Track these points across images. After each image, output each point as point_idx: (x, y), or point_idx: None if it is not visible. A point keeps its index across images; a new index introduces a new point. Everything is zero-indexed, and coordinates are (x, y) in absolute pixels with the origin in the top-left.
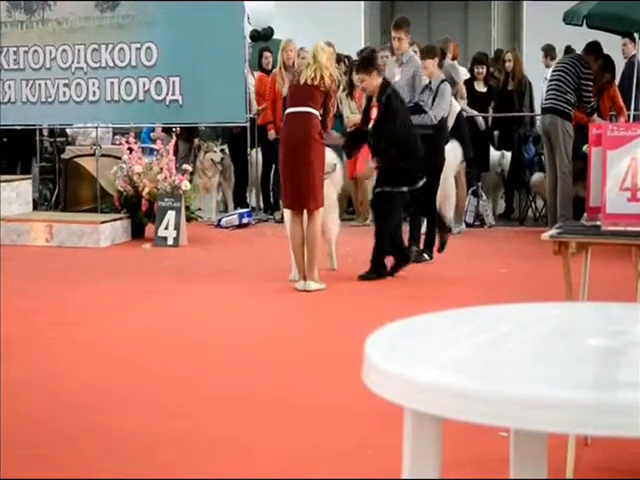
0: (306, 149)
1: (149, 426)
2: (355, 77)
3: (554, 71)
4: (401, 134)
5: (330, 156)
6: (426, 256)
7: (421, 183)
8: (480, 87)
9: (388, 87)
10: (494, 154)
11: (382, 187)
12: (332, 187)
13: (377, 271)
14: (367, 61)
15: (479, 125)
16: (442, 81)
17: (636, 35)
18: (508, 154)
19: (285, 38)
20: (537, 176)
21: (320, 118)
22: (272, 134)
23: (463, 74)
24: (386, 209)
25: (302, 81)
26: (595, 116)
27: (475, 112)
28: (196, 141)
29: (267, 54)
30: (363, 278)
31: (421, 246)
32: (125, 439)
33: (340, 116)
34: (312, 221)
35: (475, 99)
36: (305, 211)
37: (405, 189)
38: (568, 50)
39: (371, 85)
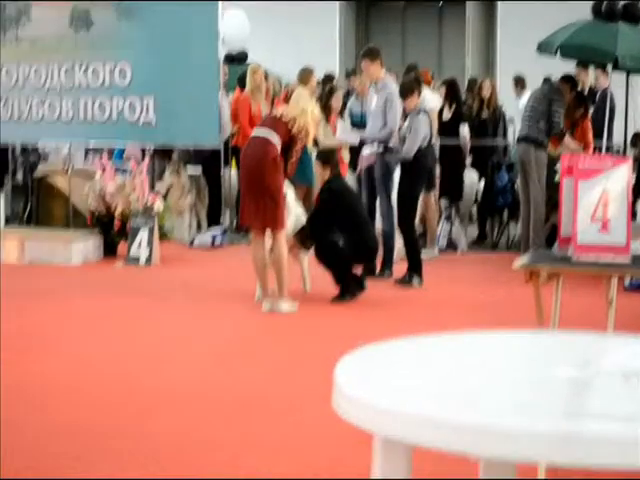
0: (260, 173)
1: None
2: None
3: (528, 101)
4: (339, 224)
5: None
6: (415, 281)
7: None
8: (446, 114)
9: (332, 181)
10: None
11: (322, 237)
12: (302, 213)
13: (348, 291)
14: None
15: (463, 138)
16: (419, 112)
17: (609, 67)
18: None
19: (253, 63)
20: None
21: (279, 148)
22: None
23: (437, 101)
24: (332, 257)
25: (275, 113)
26: (567, 139)
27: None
28: (174, 156)
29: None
30: (336, 301)
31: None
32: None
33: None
34: (275, 243)
35: (441, 126)
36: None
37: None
38: (546, 81)
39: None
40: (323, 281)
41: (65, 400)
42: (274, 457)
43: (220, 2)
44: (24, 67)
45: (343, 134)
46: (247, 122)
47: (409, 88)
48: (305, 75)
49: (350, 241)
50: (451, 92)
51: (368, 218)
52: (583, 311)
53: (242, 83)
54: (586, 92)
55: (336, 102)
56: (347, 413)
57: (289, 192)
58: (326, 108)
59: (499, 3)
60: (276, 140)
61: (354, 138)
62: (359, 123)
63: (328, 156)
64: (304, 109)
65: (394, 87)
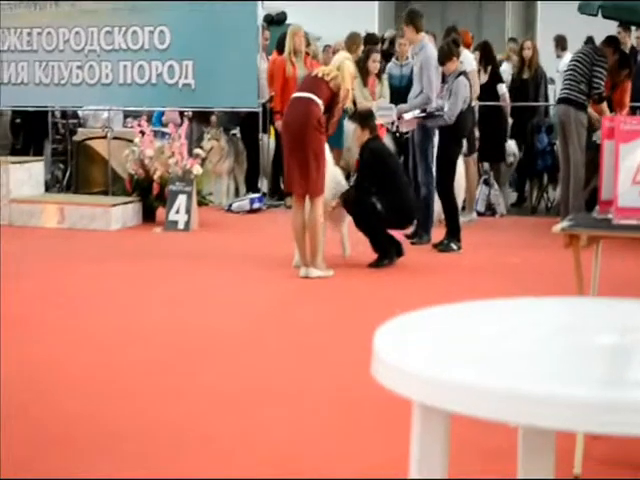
0: (303, 134)
1: (144, 414)
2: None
3: (570, 61)
4: (379, 187)
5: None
6: (453, 246)
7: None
8: (482, 77)
9: (371, 142)
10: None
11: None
12: (341, 175)
13: (386, 257)
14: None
15: (502, 97)
16: (458, 75)
17: None
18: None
19: (294, 24)
20: None
21: (322, 108)
22: (280, 125)
23: (476, 63)
24: (370, 222)
25: (316, 72)
26: (604, 105)
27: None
28: (212, 119)
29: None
30: (374, 266)
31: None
32: (119, 426)
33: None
34: (313, 208)
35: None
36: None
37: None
38: (588, 41)
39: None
40: (363, 246)
41: (80, 367)
42: (309, 420)
43: None
44: (64, 31)
45: (381, 104)
46: (281, 86)
47: (447, 52)
48: (352, 41)
49: (389, 204)
50: (485, 55)
51: (407, 181)
52: (624, 276)
53: (280, 45)
54: (627, 51)
55: (372, 64)
56: (385, 379)
57: (328, 156)
58: (364, 70)
59: None
60: (319, 99)
61: (392, 112)
62: (398, 86)
63: (367, 118)
64: (342, 67)
65: (429, 50)
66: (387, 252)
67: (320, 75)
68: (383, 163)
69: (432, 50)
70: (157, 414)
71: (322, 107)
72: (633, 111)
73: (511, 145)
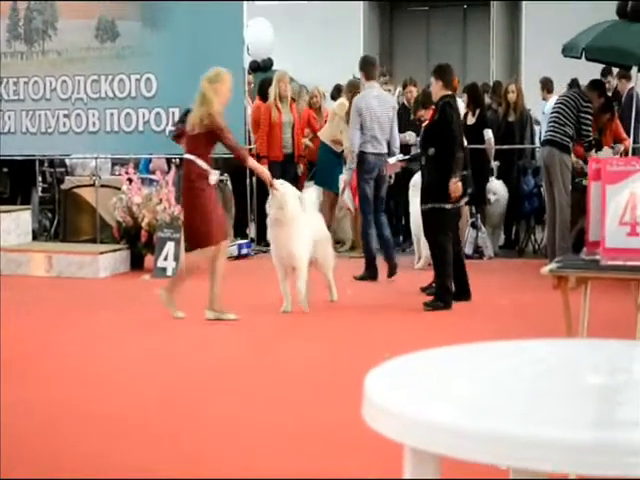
0: (185, 194)
1: (144, 457)
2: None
3: (555, 104)
4: (450, 140)
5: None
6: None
7: (463, 201)
8: (469, 119)
9: (448, 96)
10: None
11: (428, 204)
12: (323, 221)
13: (443, 299)
14: (438, 69)
15: (488, 142)
16: None
17: (635, 68)
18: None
19: (279, 70)
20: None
21: (201, 160)
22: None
23: (462, 106)
24: (437, 226)
25: (189, 130)
26: (593, 152)
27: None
28: None
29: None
30: (429, 306)
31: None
32: (120, 461)
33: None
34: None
35: (466, 132)
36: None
37: (448, 206)
38: (573, 83)
39: (435, 94)
40: (351, 290)
41: (74, 424)
42: (300, 462)
43: (245, 10)
44: (50, 79)
45: None
46: (267, 131)
47: (429, 96)
48: (352, 87)
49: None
50: (473, 97)
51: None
52: (612, 316)
53: (261, 91)
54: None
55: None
56: (376, 422)
57: (309, 194)
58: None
59: (524, 3)
60: (193, 155)
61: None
62: None
63: (445, 72)
64: (204, 101)
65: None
66: (446, 294)
67: (190, 130)
68: (453, 120)
69: (360, 97)
70: (154, 447)
71: (200, 160)
72: (634, 152)
73: (495, 184)
